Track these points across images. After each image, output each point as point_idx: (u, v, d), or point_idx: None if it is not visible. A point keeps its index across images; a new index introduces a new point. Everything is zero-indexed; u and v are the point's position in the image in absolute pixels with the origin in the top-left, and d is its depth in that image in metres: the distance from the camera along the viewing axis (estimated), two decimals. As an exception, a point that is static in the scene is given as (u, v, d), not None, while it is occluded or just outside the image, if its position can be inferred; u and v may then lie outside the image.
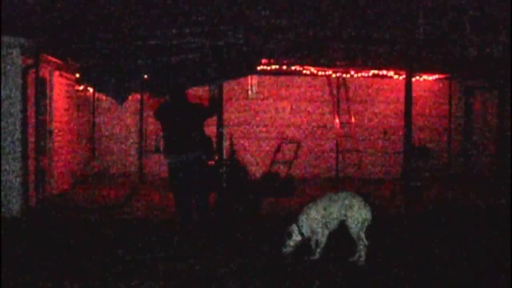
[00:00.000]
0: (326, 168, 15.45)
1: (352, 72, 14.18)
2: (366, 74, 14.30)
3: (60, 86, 12.09)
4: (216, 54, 10.03)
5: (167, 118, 7.86)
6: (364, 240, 6.69)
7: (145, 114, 14.38)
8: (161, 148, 8.34)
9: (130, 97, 14.00)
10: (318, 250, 6.82)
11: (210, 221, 7.95)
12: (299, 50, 10.76)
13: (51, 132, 11.44)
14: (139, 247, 7.41)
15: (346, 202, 6.80)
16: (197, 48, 9.99)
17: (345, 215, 6.75)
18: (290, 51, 10.85)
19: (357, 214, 6.70)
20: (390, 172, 15.35)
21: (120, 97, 10.26)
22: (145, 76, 10.46)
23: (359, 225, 6.69)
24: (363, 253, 6.68)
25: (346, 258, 6.82)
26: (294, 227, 6.84)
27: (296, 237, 6.82)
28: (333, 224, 6.83)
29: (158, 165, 14.05)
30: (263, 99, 15.04)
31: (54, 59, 11.10)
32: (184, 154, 7.64)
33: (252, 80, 14.29)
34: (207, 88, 11.40)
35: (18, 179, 9.64)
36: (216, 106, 8.05)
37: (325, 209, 6.85)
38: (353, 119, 15.14)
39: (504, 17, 8.08)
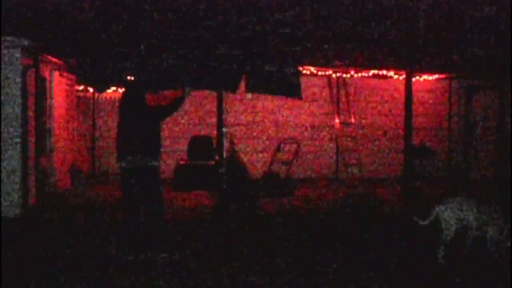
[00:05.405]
0: (326, 168, 15.46)
1: (352, 72, 14.18)
2: (366, 74, 14.31)
3: (60, 86, 12.10)
4: (205, 64, 10.02)
5: (120, 113, 7.36)
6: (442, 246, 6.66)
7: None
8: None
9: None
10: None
11: (159, 228, 7.32)
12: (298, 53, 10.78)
13: (51, 132, 11.44)
14: (139, 247, 7.40)
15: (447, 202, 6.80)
16: (185, 56, 10.00)
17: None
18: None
19: (446, 216, 6.67)
20: (390, 172, 15.35)
21: (100, 87, 10.21)
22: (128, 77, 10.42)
23: (447, 226, 6.65)
24: (440, 252, 6.66)
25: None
26: None
27: None
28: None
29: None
30: (262, 99, 15.03)
31: (54, 59, 11.11)
32: (134, 157, 7.09)
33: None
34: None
35: (18, 179, 9.64)
36: (178, 103, 7.53)
37: None
38: (353, 119, 15.14)
39: (504, 17, 8.09)
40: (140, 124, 7.14)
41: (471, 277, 6.38)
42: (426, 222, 6.75)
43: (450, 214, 6.68)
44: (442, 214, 6.71)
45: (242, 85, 11.08)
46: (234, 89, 10.99)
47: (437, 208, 6.76)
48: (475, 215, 6.65)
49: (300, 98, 11.17)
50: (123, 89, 7.83)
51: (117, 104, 14.05)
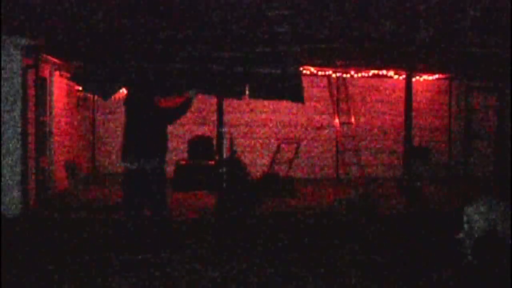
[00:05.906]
0: (326, 168, 15.46)
1: (352, 72, 14.18)
2: (366, 74, 14.30)
3: (60, 86, 12.09)
4: (206, 66, 9.98)
5: (128, 115, 7.26)
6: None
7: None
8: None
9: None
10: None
11: (164, 228, 7.36)
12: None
13: (51, 132, 11.44)
14: (139, 247, 7.40)
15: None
16: (188, 58, 9.98)
17: None
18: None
19: (473, 217, 6.71)
20: (390, 172, 15.35)
21: (105, 94, 10.19)
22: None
23: (473, 227, 6.71)
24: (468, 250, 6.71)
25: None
26: None
27: None
28: None
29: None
30: (262, 99, 14.99)
31: (54, 59, 11.10)
32: (141, 160, 7.04)
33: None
34: None
35: (18, 179, 9.63)
36: (187, 106, 7.50)
37: None
38: (353, 119, 15.14)
39: (504, 17, 8.09)
40: (149, 126, 7.13)
41: (473, 278, 6.38)
42: (463, 235, 6.79)
43: (477, 216, 6.67)
44: (469, 215, 6.72)
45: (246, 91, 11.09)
46: (239, 96, 10.98)
47: (465, 211, 6.76)
48: (502, 216, 6.64)
49: (302, 102, 11.15)
50: (130, 91, 7.78)
51: (116, 103, 14.25)
